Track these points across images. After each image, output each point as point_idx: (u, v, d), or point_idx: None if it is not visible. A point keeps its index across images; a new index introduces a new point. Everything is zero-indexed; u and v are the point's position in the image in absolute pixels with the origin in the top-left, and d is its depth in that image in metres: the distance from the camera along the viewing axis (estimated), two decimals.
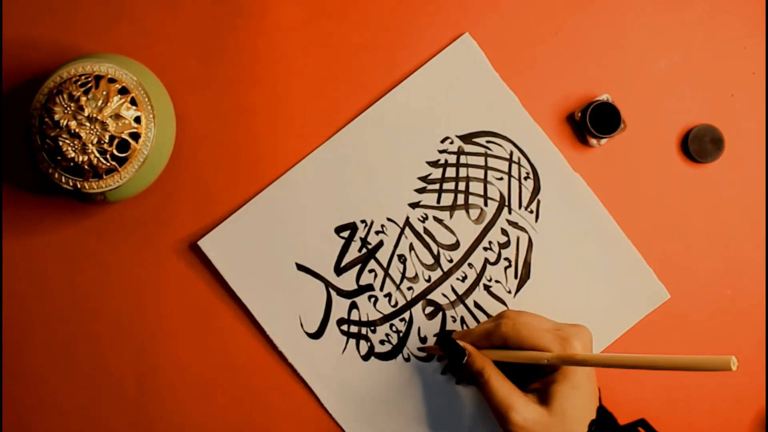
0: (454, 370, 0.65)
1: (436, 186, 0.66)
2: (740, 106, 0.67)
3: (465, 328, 0.66)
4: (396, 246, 0.66)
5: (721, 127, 0.66)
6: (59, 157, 0.58)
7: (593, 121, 0.64)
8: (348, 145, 0.66)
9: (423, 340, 0.66)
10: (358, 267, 0.66)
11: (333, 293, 0.66)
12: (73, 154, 0.58)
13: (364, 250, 0.66)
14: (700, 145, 0.66)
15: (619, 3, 0.67)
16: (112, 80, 0.59)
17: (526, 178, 0.66)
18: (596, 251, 0.66)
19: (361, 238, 0.66)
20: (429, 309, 0.66)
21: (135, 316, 0.66)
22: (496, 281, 0.66)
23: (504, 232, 0.66)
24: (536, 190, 0.66)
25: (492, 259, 0.66)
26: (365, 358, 0.66)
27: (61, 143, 0.58)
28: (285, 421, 0.66)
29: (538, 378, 0.59)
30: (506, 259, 0.66)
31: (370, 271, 0.66)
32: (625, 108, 0.66)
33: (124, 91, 0.59)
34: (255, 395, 0.66)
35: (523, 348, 0.58)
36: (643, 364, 0.52)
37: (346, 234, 0.66)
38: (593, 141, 0.66)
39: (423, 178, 0.66)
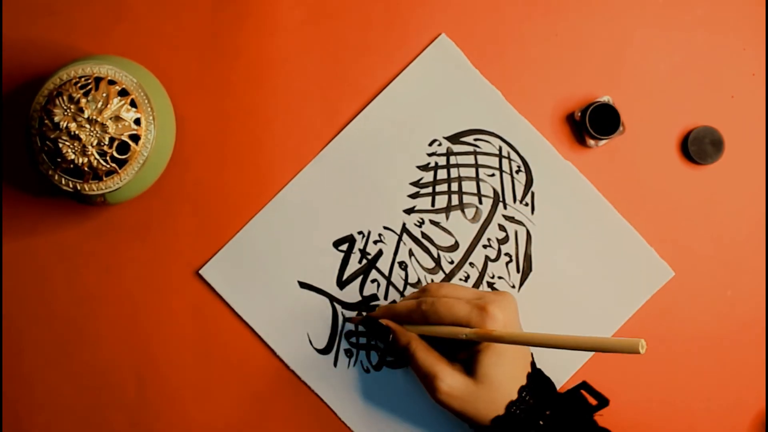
0: (385, 349, 0.65)
1: (429, 189, 0.66)
2: (740, 107, 0.67)
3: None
4: (395, 253, 0.66)
5: (721, 128, 0.66)
6: (59, 159, 0.58)
7: (592, 122, 0.64)
8: (336, 159, 0.66)
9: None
10: (360, 278, 0.66)
11: (338, 307, 0.66)
12: (72, 156, 0.58)
13: (364, 261, 0.66)
14: (700, 147, 0.66)
15: (619, 5, 0.67)
16: (112, 82, 0.59)
17: (517, 172, 0.66)
18: (595, 236, 0.66)
19: (360, 250, 0.66)
20: None
21: (135, 317, 0.66)
22: (499, 277, 0.66)
23: (501, 227, 0.66)
24: (529, 182, 0.66)
25: (492, 256, 0.66)
26: (377, 368, 0.66)
27: (61, 145, 0.58)
28: (287, 423, 0.66)
29: (465, 348, 0.59)
30: (507, 254, 0.66)
31: (373, 281, 0.66)
32: (626, 109, 0.66)
33: (124, 93, 0.59)
34: (257, 398, 0.66)
35: (442, 323, 0.58)
36: (558, 343, 0.52)
37: (344, 247, 0.66)
38: (591, 142, 0.66)
39: (415, 183, 0.66)
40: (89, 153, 0.58)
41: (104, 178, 0.59)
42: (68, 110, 0.58)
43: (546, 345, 0.52)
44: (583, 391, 0.58)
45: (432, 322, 0.58)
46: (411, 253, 0.66)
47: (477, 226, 0.66)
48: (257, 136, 0.66)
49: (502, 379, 0.57)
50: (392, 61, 0.67)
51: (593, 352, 0.66)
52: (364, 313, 0.65)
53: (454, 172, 0.66)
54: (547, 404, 0.57)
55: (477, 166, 0.66)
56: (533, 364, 0.59)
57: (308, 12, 0.67)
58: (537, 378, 0.58)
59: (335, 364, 0.66)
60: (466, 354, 0.58)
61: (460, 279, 0.66)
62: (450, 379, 0.57)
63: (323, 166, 0.66)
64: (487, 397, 0.56)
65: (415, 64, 0.66)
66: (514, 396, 0.56)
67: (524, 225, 0.66)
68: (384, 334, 0.60)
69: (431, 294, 0.60)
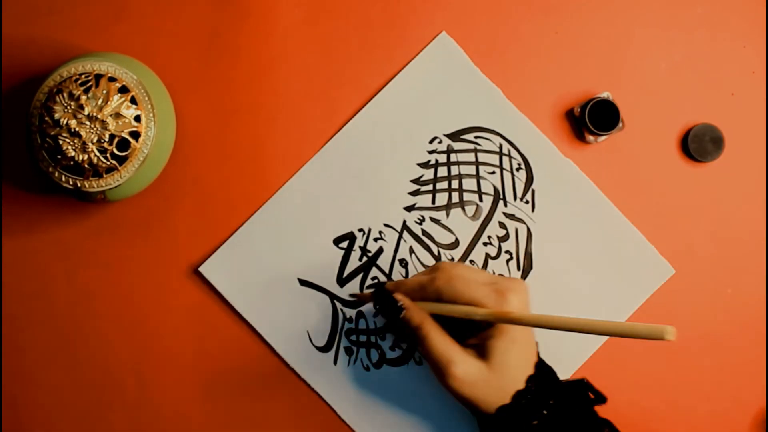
0: (391, 325, 0.63)
1: (430, 187, 0.66)
2: (740, 105, 0.67)
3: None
4: (396, 251, 0.66)
5: (721, 126, 0.66)
6: (59, 156, 0.58)
7: (592, 118, 0.64)
8: (337, 156, 0.66)
9: None
10: (360, 276, 0.66)
11: (338, 305, 0.66)
12: (73, 153, 0.58)
13: (364, 259, 0.66)
14: (700, 144, 0.66)
15: (620, 1, 0.67)
16: (112, 79, 0.59)
17: (518, 170, 0.66)
18: (596, 234, 0.66)
19: (360, 247, 0.66)
20: None
21: (135, 315, 0.66)
22: (500, 275, 0.66)
23: (502, 225, 0.66)
24: (529, 180, 0.66)
25: (493, 254, 0.66)
26: (377, 366, 0.66)
27: (61, 142, 0.58)
28: (287, 422, 0.66)
29: (476, 332, 0.57)
30: (507, 252, 0.66)
31: (373, 278, 0.66)
32: (626, 106, 0.66)
33: (124, 90, 0.59)
34: (256, 396, 0.66)
35: (457, 302, 0.56)
36: (580, 327, 0.50)
37: (345, 244, 0.66)
38: (591, 138, 0.66)
39: (415, 181, 0.66)
40: (89, 150, 0.58)
41: (104, 175, 0.59)
42: (68, 107, 0.58)
43: (566, 328, 0.51)
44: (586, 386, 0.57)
45: (445, 300, 0.56)
46: (411, 251, 0.66)
47: (477, 223, 0.66)
48: (258, 133, 0.66)
49: (513, 366, 0.55)
50: (392, 59, 0.67)
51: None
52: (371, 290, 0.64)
53: (454, 170, 0.66)
54: (550, 393, 0.56)
55: (477, 163, 0.66)
56: (538, 352, 0.58)
57: (308, 11, 0.67)
58: (542, 366, 0.57)
59: (335, 362, 0.65)
60: (476, 339, 0.57)
61: None
62: (465, 365, 0.55)
63: (324, 163, 0.66)
64: (497, 384, 0.55)
65: (416, 62, 0.66)
66: (522, 385, 0.55)
67: (525, 222, 0.66)
68: (395, 309, 0.57)
69: (445, 272, 0.57)
